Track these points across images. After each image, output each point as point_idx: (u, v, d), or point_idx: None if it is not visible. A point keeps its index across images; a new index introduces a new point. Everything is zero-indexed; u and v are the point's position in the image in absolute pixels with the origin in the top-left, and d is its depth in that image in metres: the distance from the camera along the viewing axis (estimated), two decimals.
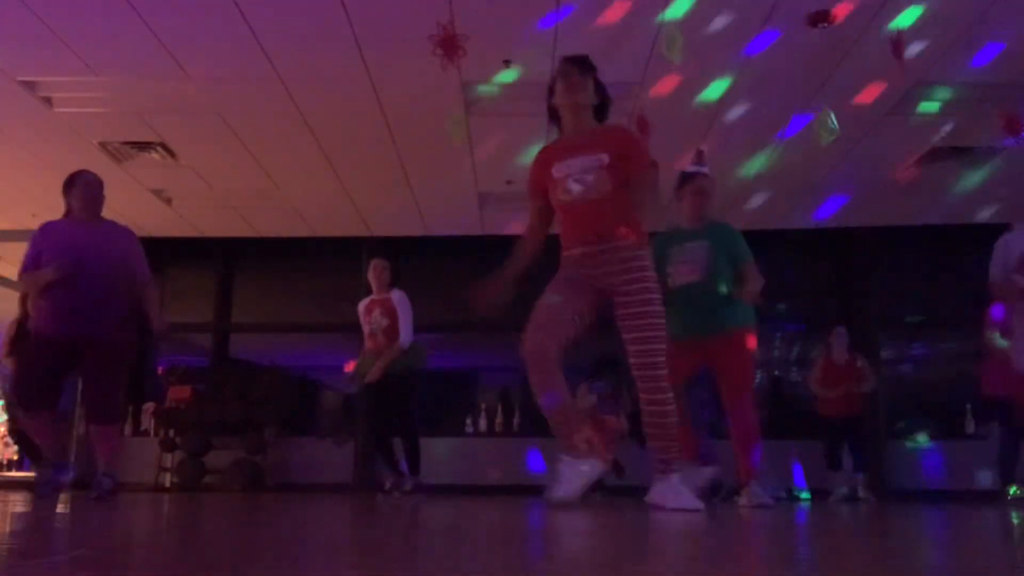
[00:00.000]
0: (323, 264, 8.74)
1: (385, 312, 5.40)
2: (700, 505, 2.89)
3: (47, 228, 4.02)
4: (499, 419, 8.21)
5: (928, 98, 5.47)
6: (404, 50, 4.83)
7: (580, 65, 3.11)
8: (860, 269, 8.06)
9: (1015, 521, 2.73)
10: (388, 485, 5.47)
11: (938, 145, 6.16)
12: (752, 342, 3.96)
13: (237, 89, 5.38)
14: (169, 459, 7.52)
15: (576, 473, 2.91)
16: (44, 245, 3.92)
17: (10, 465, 11.24)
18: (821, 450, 6.73)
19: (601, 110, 3.17)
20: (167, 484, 7.44)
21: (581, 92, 3.09)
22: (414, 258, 8.46)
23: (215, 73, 5.18)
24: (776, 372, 9.85)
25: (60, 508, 3.09)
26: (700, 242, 3.95)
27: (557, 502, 2.86)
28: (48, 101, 5.54)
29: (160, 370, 8.97)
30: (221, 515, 2.81)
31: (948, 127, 5.83)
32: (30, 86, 5.36)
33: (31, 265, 3.93)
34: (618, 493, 6.39)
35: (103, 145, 6.26)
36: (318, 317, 9.03)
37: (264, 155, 6.43)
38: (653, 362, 2.95)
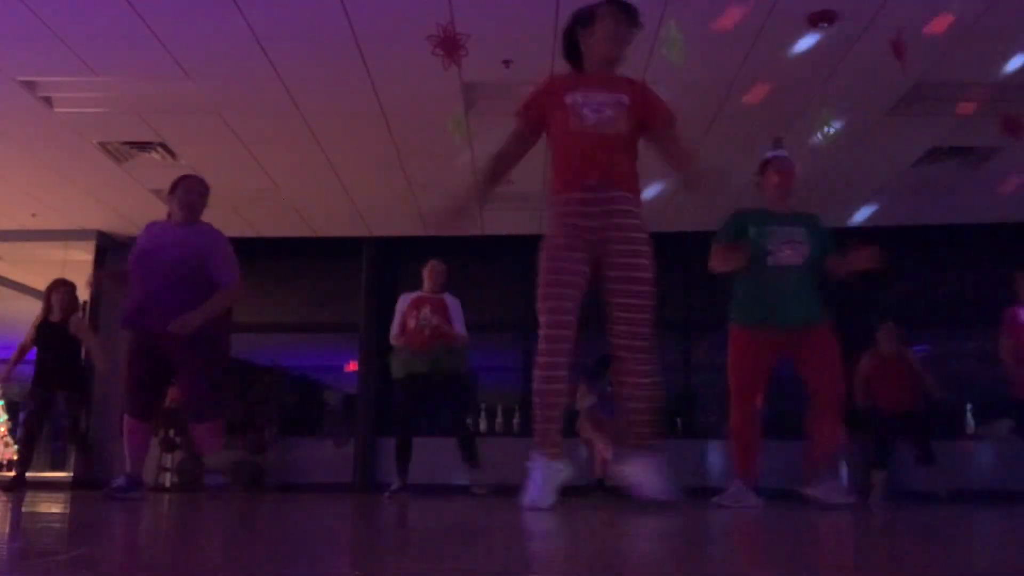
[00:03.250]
0: (323, 264, 8.73)
1: (436, 310, 5.45)
2: (679, 494, 2.76)
3: (145, 228, 4.15)
4: (499, 419, 8.21)
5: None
6: (404, 50, 4.83)
7: (632, 17, 2.93)
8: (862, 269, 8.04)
9: None
10: (396, 487, 5.46)
11: (939, 145, 6.17)
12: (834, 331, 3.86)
13: (237, 89, 5.38)
14: (169, 459, 7.51)
15: (551, 474, 2.75)
16: (138, 244, 4.05)
17: (10, 465, 11.24)
18: (870, 446, 6.55)
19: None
20: (167, 484, 7.44)
21: (626, 46, 2.96)
22: (414, 258, 8.46)
23: (215, 73, 5.18)
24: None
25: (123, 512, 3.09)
26: (798, 227, 3.85)
27: (530, 508, 2.67)
28: (48, 101, 5.54)
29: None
30: (221, 515, 2.81)
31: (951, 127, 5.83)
32: (30, 86, 5.36)
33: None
34: (618, 493, 6.39)
35: (103, 145, 6.26)
36: (318, 317, 9.03)
37: (264, 155, 6.43)
38: (644, 332, 2.81)
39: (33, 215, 7.75)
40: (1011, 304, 5.86)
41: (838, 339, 3.83)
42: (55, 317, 6.15)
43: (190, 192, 4.08)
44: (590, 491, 6.52)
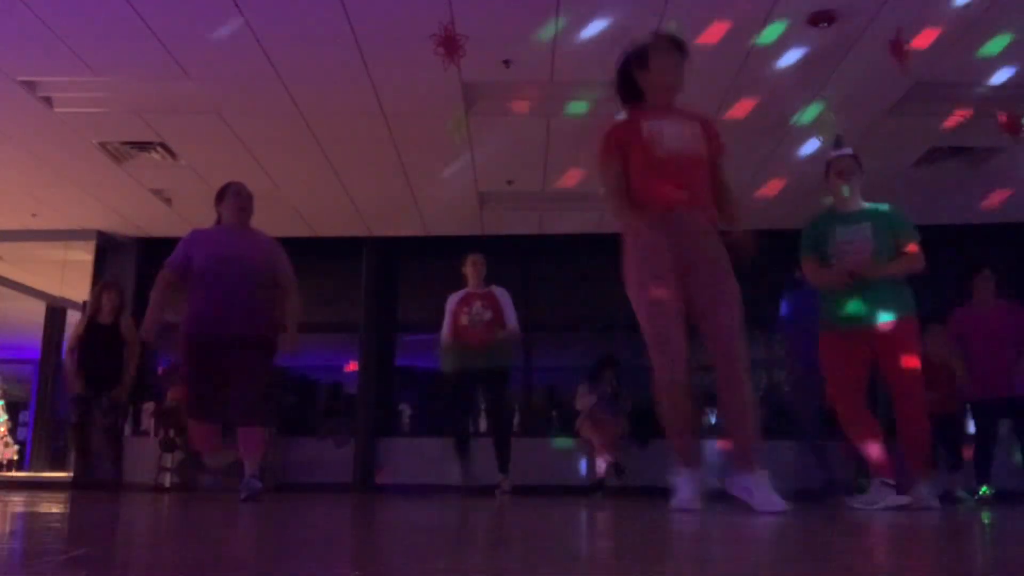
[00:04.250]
0: (323, 264, 8.73)
1: (487, 305, 5.46)
2: (784, 506, 2.75)
3: (197, 234, 4.21)
4: None
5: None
6: (404, 50, 4.83)
7: (683, 51, 3.11)
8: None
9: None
10: (470, 481, 5.50)
11: (938, 145, 6.16)
12: (918, 330, 3.80)
13: (237, 89, 5.38)
14: (169, 459, 7.51)
15: (694, 482, 2.93)
16: (192, 251, 4.09)
17: (10, 465, 11.24)
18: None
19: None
20: (167, 484, 7.44)
21: (682, 76, 3.12)
22: (414, 258, 8.47)
23: (215, 73, 5.18)
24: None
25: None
26: (861, 224, 3.83)
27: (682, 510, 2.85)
28: (48, 101, 5.54)
29: (160, 370, 8.97)
30: (221, 515, 2.81)
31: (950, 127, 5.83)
32: (30, 86, 5.36)
33: (175, 265, 4.10)
34: (618, 494, 6.39)
35: (103, 145, 6.26)
36: (318, 317, 9.02)
37: (264, 155, 6.43)
38: (739, 341, 2.87)
39: (33, 215, 7.75)
40: (962, 305, 5.86)
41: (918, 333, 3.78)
42: (104, 319, 6.15)
43: (242, 197, 4.18)
44: (592, 491, 6.53)
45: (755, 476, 2.80)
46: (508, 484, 5.40)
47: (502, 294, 5.55)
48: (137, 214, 7.71)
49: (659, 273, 2.89)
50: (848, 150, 4.06)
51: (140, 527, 2.18)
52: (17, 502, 3.65)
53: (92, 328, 6.12)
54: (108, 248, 8.33)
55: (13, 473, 10.16)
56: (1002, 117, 5.06)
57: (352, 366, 8.66)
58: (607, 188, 3.09)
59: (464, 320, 5.48)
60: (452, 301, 5.65)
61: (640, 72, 3.13)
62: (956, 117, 5.56)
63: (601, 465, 6.56)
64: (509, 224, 7.79)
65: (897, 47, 4.42)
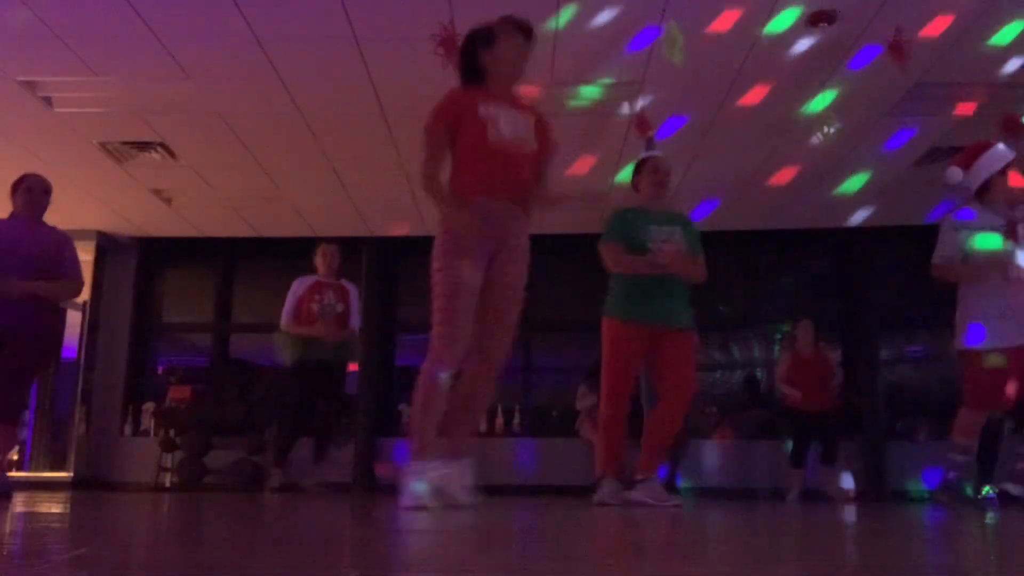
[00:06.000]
0: None
1: (339, 297, 5.36)
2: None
3: None
4: (499, 419, 8.21)
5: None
6: (404, 50, 4.83)
7: (530, 36, 3.08)
8: (860, 269, 8.05)
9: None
10: (276, 483, 5.44)
11: (939, 145, 6.16)
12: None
13: (237, 89, 5.38)
14: (169, 459, 7.51)
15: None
16: None
17: (10, 465, 11.23)
18: (787, 447, 6.67)
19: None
20: (167, 484, 7.44)
21: (526, 63, 3.09)
22: (414, 258, 8.46)
23: (215, 73, 5.18)
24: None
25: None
26: (675, 227, 3.96)
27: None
28: (48, 101, 5.54)
29: (160, 370, 8.97)
30: (221, 515, 2.81)
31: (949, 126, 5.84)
32: (30, 86, 5.35)
33: None
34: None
35: (103, 145, 6.26)
36: None
37: (264, 155, 6.43)
38: (509, 345, 2.99)
39: None
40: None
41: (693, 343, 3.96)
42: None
43: (34, 192, 4.20)
44: (592, 491, 6.51)
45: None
46: (320, 480, 5.25)
47: (354, 290, 5.41)
48: (137, 214, 7.71)
49: (469, 253, 2.89)
50: (659, 152, 4.24)
51: (140, 527, 2.18)
52: (17, 502, 3.65)
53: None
54: (108, 248, 8.33)
55: (13, 473, 10.14)
56: (1002, 118, 5.06)
57: (352, 366, 8.65)
58: (428, 155, 3.00)
59: (315, 308, 5.37)
60: (300, 285, 5.48)
61: (484, 52, 3.05)
62: (958, 114, 5.54)
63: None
64: None
65: (897, 47, 4.42)
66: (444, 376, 2.83)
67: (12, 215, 4.21)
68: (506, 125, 2.94)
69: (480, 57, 3.06)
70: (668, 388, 3.88)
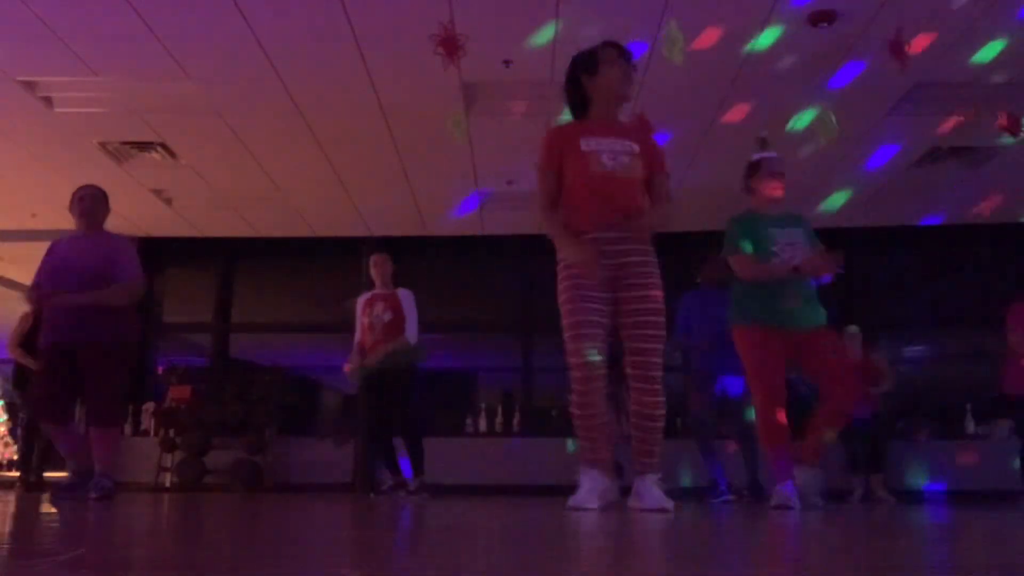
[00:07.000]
0: (323, 264, 8.73)
1: (388, 307, 5.32)
2: (671, 505, 2.89)
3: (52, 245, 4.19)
4: (499, 419, 8.21)
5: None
6: (404, 50, 4.83)
7: (629, 58, 3.11)
8: (860, 269, 8.05)
9: None
10: (387, 486, 5.44)
11: (938, 145, 6.17)
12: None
13: (237, 89, 5.38)
14: (169, 459, 7.51)
15: (598, 485, 2.94)
16: (42, 263, 4.10)
17: (10, 465, 11.25)
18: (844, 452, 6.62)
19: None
20: (167, 484, 7.44)
21: (631, 85, 3.11)
22: (414, 258, 8.46)
23: (215, 73, 5.18)
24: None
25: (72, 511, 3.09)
26: (796, 229, 3.80)
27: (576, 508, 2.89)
28: (48, 101, 5.54)
29: (160, 370, 8.97)
30: (221, 515, 2.81)
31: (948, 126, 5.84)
32: (30, 86, 5.36)
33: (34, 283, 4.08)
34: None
35: (103, 145, 6.27)
36: (318, 317, 9.03)
37: (264, 155, 6.43)
38: (655, 362, 2.95)
39: (33, 215, 7.75)
40: (1019, 300, 5.78)
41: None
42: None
43: (85, 200, 4.15)
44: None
45: (647, 479, 2.96)
46: (415, 484, 5.20)
47: (406, 296, 5.35)
48: (137, 214, 7.71)
49: (586, 288, 2.95)
50: (774, 153, 4.01)
51: (140, 527, 2.18)
52: (17, 502, 3.65)
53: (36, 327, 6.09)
54: None
55: (13, 473, 10.14)
56: (1002, 118, 5.06)
57: (349, 366, 8.64)
58: (543, 194, 3.11)
59: (365, 322, 5.38)
60: (359, 303, 5.51)
61: (588, 79, 3.11)
62: (955, 119, 5.56)
63: None
64: (509, 224, 7.80)
65: (897, 47, 4.42)
66: (583, 400, 2.94)
67: (73, 231, 4.21)
68: (608, 156, 2.99)
69: (584, 85, 3.12)
70: (828, 386, 3.69)
